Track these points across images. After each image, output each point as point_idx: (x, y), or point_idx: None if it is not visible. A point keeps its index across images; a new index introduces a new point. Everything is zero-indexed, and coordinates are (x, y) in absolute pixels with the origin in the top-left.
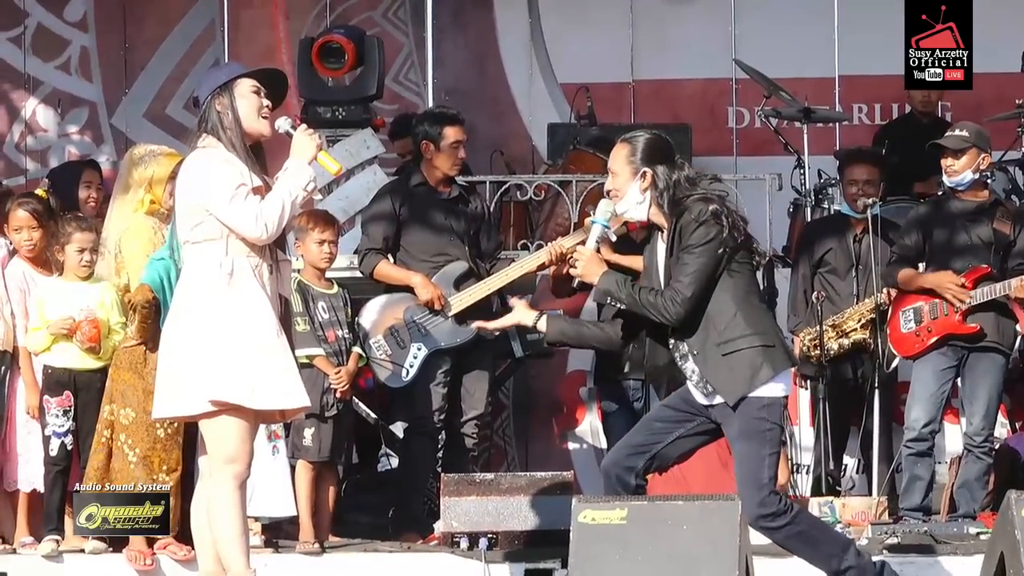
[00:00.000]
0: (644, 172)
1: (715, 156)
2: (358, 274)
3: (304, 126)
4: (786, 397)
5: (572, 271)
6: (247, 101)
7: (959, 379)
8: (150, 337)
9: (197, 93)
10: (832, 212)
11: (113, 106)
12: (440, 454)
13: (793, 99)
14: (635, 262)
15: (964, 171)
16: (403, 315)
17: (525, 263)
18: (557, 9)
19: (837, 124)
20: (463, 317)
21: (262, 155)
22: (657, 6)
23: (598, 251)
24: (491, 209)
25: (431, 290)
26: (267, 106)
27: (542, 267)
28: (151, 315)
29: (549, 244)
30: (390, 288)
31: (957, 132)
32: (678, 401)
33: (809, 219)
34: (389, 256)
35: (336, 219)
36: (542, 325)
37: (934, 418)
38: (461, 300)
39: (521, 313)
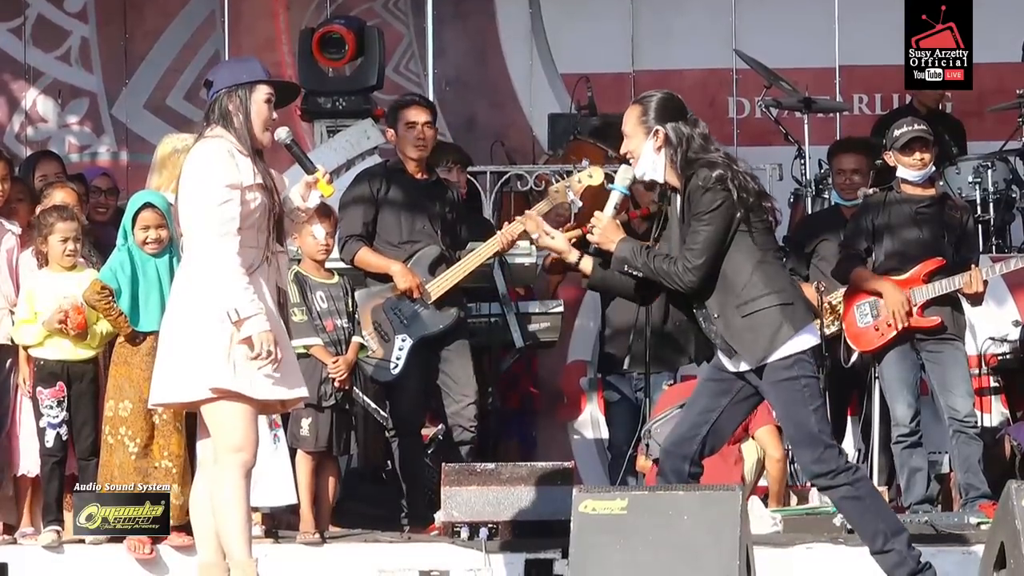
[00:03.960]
0: (656, 130)
1: None
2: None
3: None
4: (813, 348)
5: (589, 237)
6: (258, 108)
7: (924, 371)
8: (126, 326)
9: (212, 78)
10: (830, 204)
11: (113, 97)
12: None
13: (793, 89)
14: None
15: (929, 164)
16: (383, 307)
17: (482, 250)
18: None
19: (837, 114)
20: (441, 302)
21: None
22: None
23: (615, 218)
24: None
25: (409, 279)
26: (274, 119)
27: (498, 254)
28: (107, 306)
29: (499, 232)
30: (371, 276)
31: (919, 126)
32: (714, 372)
33: (810, 209)
34: (369, 243)
35: (333, 210)
36: (586, 265)
37: (918, 409)
38: (439, 286)
39: (564, 245)
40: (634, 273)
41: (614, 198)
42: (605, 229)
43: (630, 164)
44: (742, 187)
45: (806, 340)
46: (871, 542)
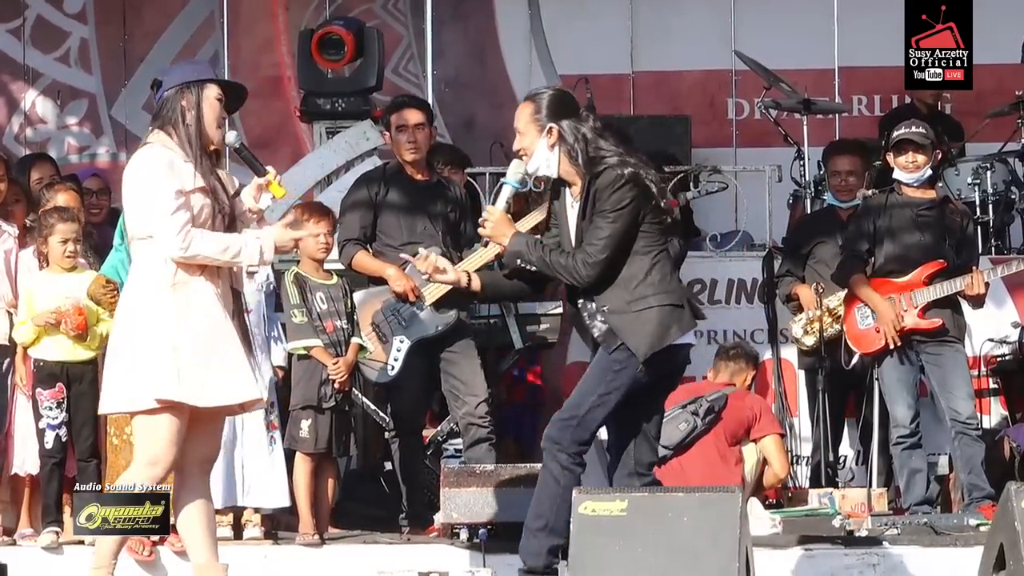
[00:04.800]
0: (550, 128)
1: (715, 147)
2: None
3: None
4: (689, 346)
5: (481, 231)
6: (209, 106)
7: (923, 373)
8: None
9: (162, 78)
10: (824, 205)
11: (112, 98)
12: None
13: (793, 90)
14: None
15: (925, 167)
16: (382, 309)
17: (485, 252)
18: (556, 0)
19: (837, 115)
20: (440, 304)
21: (213, 155)
22: None
23: (508, 212)
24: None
25: (405, 282)
26: (224, 117)
27: (499, 256)
28: (113, 299)
29: None
30: (371, 279)
31: (916, 129)
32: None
33: (808, 210)
34: (368, 246)
35: (331, 210)
36: (475, 283)
37: (917, 410)
38: (437, 288)
39: (455, 276)
40: (528, 267)
41: (505, 193)
42: (497, 223)
43: (522, 160)
44: (648, 188)
45: (684, 340)
46: (531, 519)
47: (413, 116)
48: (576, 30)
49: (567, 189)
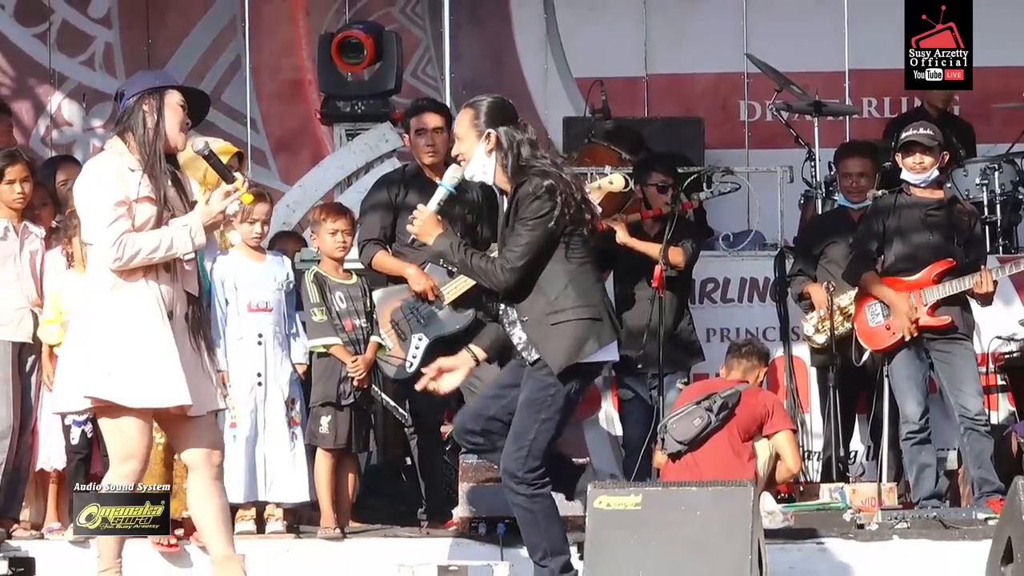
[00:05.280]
0: (488, 134)
1: (727, 149)
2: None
3: (227, 192)
4: (609, 364)
5: (409, 228)
6: (172, 111)
7: (933, 370)
8: None
9: (124, 88)
10: (836, 206)
11: None
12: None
13: (804, 93)
14: (651, 248)
15: (932, 168)
16: (401, 307)
17: None
18: (572, 5)
19: (847, 117)
20: (458, 303)
21: (174, 160)
22: (670, 2)
23: (439, 214)
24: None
25: (424, 281)
26: (187, 123)
27: None
28: None
29: None
30: (391, 279)
31: (924, 131)
32: (514, 366)
33: (820, 210)
34: (388, 247)
35: (349, 210)
36: (480, 355)
37: (927, 407)
38: (455, 288)
39: (465, 361)
40: (450, 268)
41: (439, 195)
42: (425, 223)
43: (460, 164)
44: (567, 201)
45: (602, 355)
46: (531, 552)
47: (432, 120)
48: (591, 34)
49: (503, 196)
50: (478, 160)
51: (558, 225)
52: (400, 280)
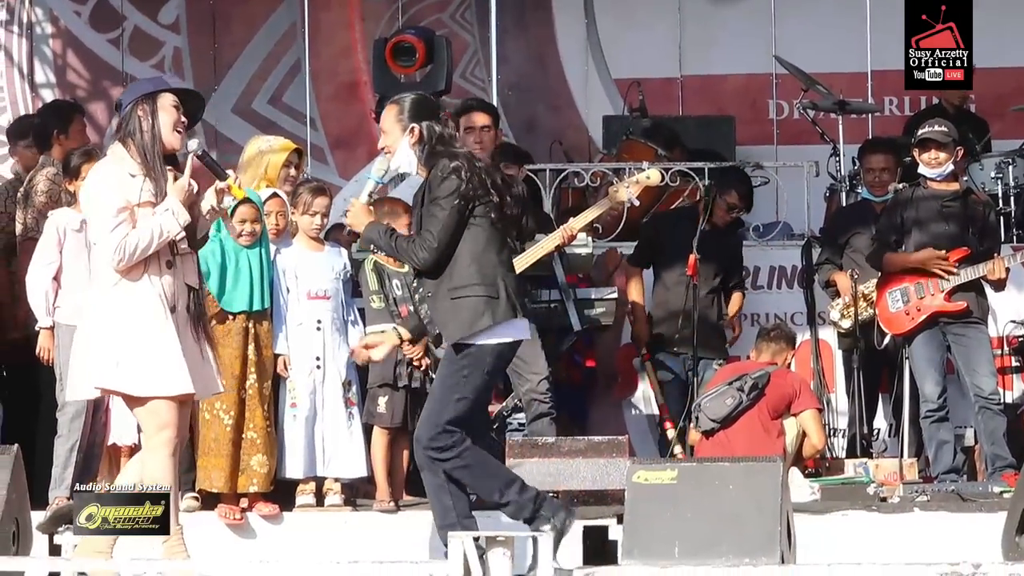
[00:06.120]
0: (412, 128)
1: (757, 145)
2: None
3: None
4: (508, 344)
5: (342, 219)
6: (166, 113)
7: (950, 352)
8: (212, 305)
9: (121, 98)
10: (859, 199)
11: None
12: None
13: (829, 92)
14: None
15: (947, 163)
16: None
17: (546, 243)
18: (611, 10)
19: (869, 115)
20: None
21: (173, 160)
22: (703, 7)
23: (369, 204)
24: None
25: None
26: (183, 122)
27: (559, 247)
28: None
29: (561, 227)
30: None
31: (939, 128)
32: None
33: (844, 203)
34: None
35: (407, 204)
36: (404, 335)
37: (945, 387)
38: None
39: (390, 339)
40: (378, 252)
41: (368, 187)
42: (357, 212)
43: (386, 156)
44: (471, 181)
45: (501, 334)
46: (489, 498)
47: (480, 119)
48: (629, 38)
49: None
50: (403, 152)
51: (467, 201)
52: None
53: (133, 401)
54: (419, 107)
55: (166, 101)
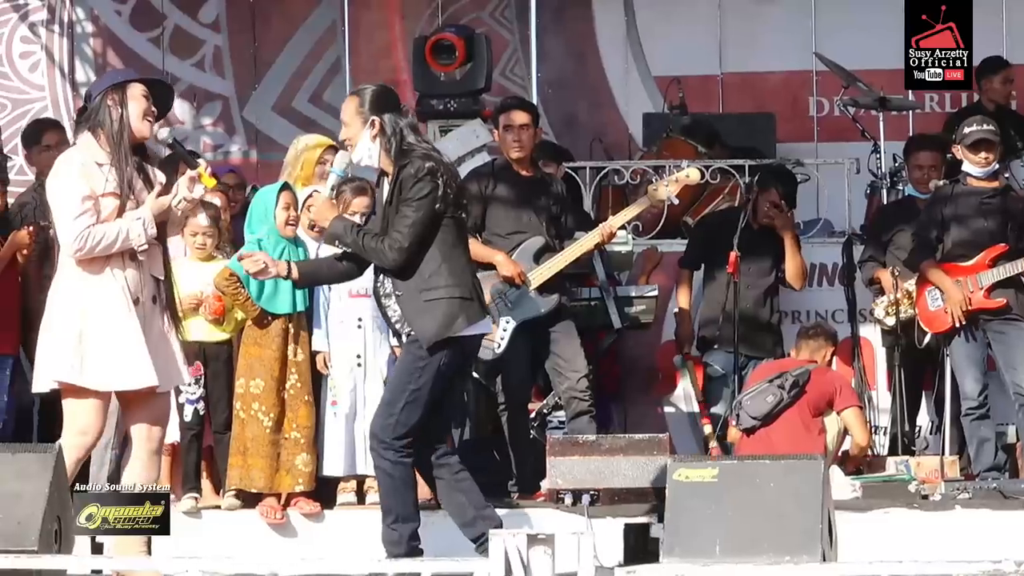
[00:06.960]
0: (373, 120)
1: (798, 142)
2: None
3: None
4: (478, 337)
5: (306, 213)
6: (136, 102)
7: (990, 349)
8: (253, 310)
9: (90, 88)
10: (904, 196)
11: (244, 100)
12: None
13: (869, 89)
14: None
15: (994, 162)
16: (490, 292)
17: (585, 241)
18: (651, 7)
19: (910, 112)
20: (544, 288)
21: (142, 151)
22: (743, 4)
23: (334, 198)
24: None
25: (512, 267)
26: (153, 111)
27: (599, 245)
28: (235, 291)
29: (600, 225)
30: (480, 265)
31: (988, 127)
32: None
33: (885, 200)
34: (479, 235)
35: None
36: (293, 272)
37: (986, 384)
38: (540, 274)
39: (278, 269)
40: (345, 249)
41: (331, 180)
42: (321, 208)
43: (347, 150)
44: (447, 183)
45: (471, 330)
46: (384, 515)
47: (519, 117)
48: (669, 35)
49: (385, 179)
50: (364, 145)
51: (442, 205)
52: (488, 267)
53: (75, 397)
54: (380, 99)
55: (136, 91)
